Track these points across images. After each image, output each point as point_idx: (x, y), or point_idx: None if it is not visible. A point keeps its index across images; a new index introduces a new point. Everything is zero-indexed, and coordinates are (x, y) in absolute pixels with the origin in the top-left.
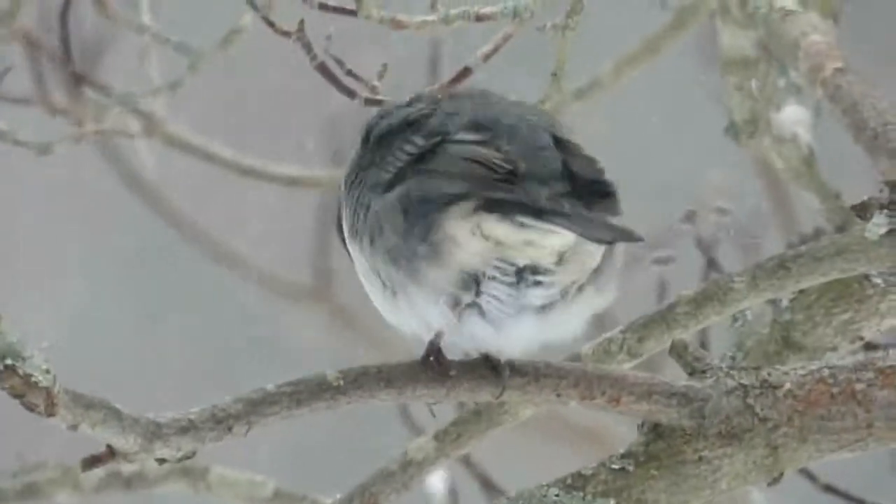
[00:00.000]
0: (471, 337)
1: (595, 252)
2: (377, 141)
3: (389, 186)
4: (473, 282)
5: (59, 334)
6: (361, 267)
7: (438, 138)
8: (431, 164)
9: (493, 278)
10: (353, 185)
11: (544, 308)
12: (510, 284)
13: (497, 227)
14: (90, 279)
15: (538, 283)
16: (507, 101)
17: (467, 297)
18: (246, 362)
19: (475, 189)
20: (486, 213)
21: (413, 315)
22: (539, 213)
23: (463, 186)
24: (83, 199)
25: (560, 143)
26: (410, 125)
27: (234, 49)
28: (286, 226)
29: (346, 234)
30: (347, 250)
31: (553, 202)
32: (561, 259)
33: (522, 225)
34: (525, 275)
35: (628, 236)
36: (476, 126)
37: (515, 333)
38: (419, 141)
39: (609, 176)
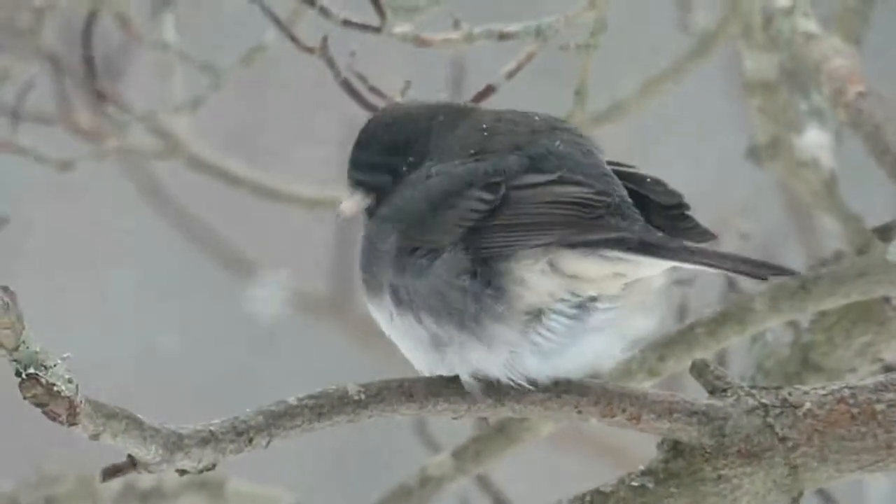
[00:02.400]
0: (521, 369)
1: (661, 277)
2: (434, 204)
3: (453, 247)
4: (535, 318)
5: (83, 346)
6: (393, 319)
7: (503, 189)
8: (505, 217)
9: (556, 311)
10: (398, 260)
11: (597, 332)
12: (571, 316)
13: (579, 262)
14: (110, 291)
15: (599, 310)
16: (540, 120)
17: (526, 339)
18: (267, 375)
19: (566, 233)
20: (566, 250)
21: (462, 364)
22: (649, 248)
23: (550, 235)
24: (105, 212)
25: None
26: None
27: (258, 66)
28: (307, 238)
29: (373, 281)
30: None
31: (654, 235)
32: (627, 286)
33: (619, 259)
34: (587, 304)
35: (782, 271)
36: (535, 163)
37: (566, 361)
38: (484, 195)
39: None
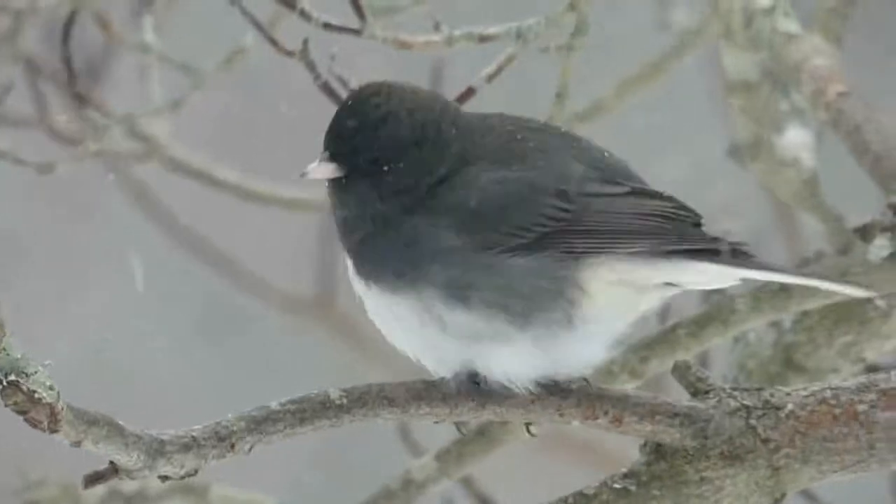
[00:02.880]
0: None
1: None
2: (505, 208)
3: (529, 249)
4: (587, 325)
5: (67, 350)
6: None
7: (577, 196)
8: (591, 224)
9: (602, 322)
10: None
11: (609, 341)
12: (610, 326)
13: (655, 271)
14: (94, 293)
15: (622, 324)
16: (558, 131)
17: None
18: (251, 376)
19: (659, 241)
20: (640, 260)
21: (480, 359)
22: (744, 261)
23: (643, 242)
24: (89, 212)
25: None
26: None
27: (239, 68)
28: (290, 238)
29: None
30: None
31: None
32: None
33: (701, 270)
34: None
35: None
36: (600, 173)
37: (581, 365)
38: (561, 203)
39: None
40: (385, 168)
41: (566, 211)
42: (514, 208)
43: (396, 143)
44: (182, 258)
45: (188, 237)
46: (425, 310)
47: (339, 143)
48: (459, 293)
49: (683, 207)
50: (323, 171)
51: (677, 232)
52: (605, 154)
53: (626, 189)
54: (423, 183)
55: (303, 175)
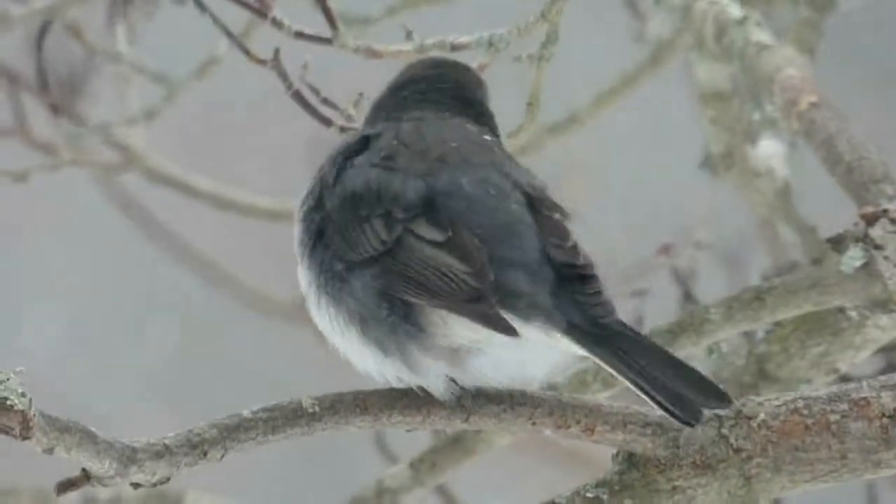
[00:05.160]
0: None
1: None
2: (342, 203)
3: (361, 266)
4: (461, 351)
5: (44, 353)
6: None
7: (399, 230)
8: (399, 266)
9: (482, 345)
10: (316, 244)
11: (536, 350)
12: (503, 346)
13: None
14: (72, 297)
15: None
16: (458, 142)
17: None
18: (230, 380)
19: (449, 304)
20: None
21: (407, 377)
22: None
23: (438, 301)
24: (67, 216)
25: (531, 202)
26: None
27: (212, 78)
28: (270, 242)
29: (309, 280)
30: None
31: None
32: None
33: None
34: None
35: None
36: (433, 208)
37: (499, 378)
38: (381, 232)
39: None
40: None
41: (383, 243)
42: (356, 205)
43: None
44: (161, 262)
45: (167, 240)
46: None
47: None
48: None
49: (483, 276)
50: None
51: (462, 302)
52: (489, 181)
53: (444, 238)
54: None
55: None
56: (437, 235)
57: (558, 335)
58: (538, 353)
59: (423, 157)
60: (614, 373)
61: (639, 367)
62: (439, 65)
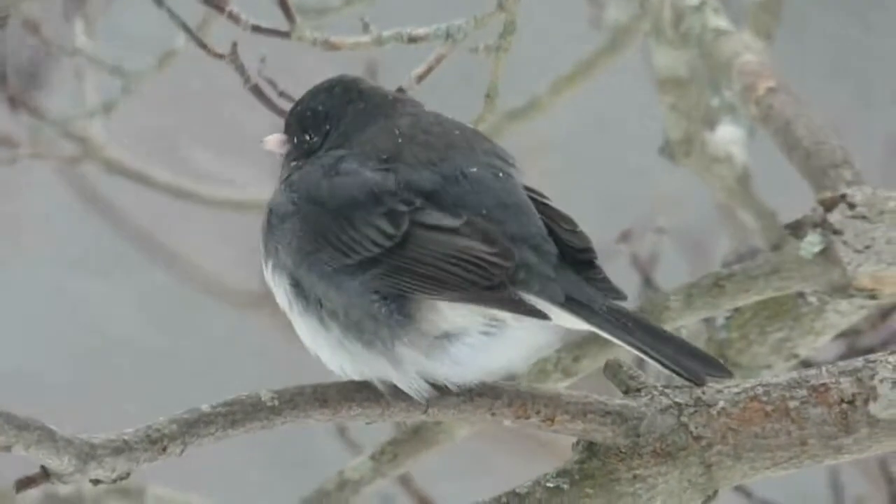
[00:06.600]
0: (427, 381)
1: None
2: (339, 208)
3: (357, 269)
4: (445, 340)
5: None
6: (293, 308)
7: (406, 224)
8: (405, 261)
9: (467, 334)
10: (301, 251)
11: (509, 344)
12: (483, 333)
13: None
14: (39, 290)
15: (511, 328)
16: (460, 133)
17: (433, 359)
18: (199, 368)
19: (460, 295)
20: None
21: (371, 372)
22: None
23: (445, 293)
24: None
25: (532, 193)
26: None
27: (171, 70)
28: (237, 233)
29: (284, 288)
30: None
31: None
32: None
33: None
34: (498, 325)
35: (720, 370)
36: (445, 187)
37: (474, 371)
38: (386, 228)
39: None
40: (294, 141)
41: (389, 238)
42: (346, 211)
43: (299, 117)
44: (129, 254)
45: (134, 233)
46: (289, 306)
47: (289, 115)
48: (311, 297)
49: (507, 255)
50: (272, 141)
51: (483, 288)
52: (495, 167)
53: (460, 222)
54: (305, 142)
55: (260, 143)
56: (451, 221)
57: (556, 308)
58: (518, 339)
59: (427, 146)
60: (614, 339)
61: (640, 336)
62: (338, 82)
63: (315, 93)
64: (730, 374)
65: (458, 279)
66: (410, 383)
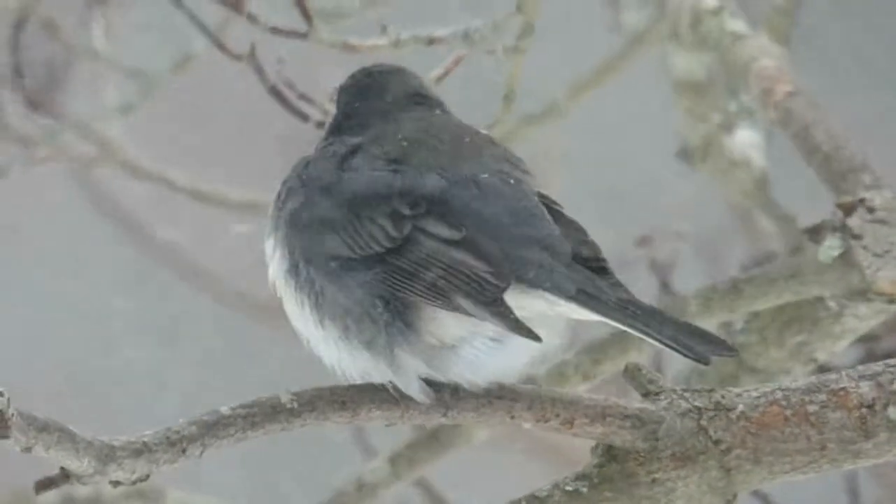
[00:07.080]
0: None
1: None
2: (346, 205)
3: (360, 263)
4: (449, 349)
5: (20, 354)
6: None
7: (408, 228)
8: (407, 263)
9: (471, 343)
10: (301, 242)
11: (515, 351)
12: (491, 340)
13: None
14: (54, 299)
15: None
16: (470, 139)
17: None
18: (217, 378)
19: (460, 303)
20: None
21: (378, 375)
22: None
23: (445, 300)
24: (51, 218)
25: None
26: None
27: (191, 73)
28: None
29: (288, 278)
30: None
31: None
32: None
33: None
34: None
35: (724, 348)
36: (444, 203)
37: (479, 376)
38: (390, 229)
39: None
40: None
41: (391, 239)
42: (353, 208)
43: (339, 92)
44: (139, 260)
45: (144, 238)
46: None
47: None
48: (312, 291)
49: (503, 276)
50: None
51: (478, 302)
52: (506, 173)
53: (459, 236)
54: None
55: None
56: (451, 233)
57: (563, 301)
58: (523, 346)
59: (437, 152)
60: (619, 325)
61: (644, 319)
62: (374, 72)
63: (356, 74)
64: (736, 353)
65: (453, 289)
66: (410, 384)
